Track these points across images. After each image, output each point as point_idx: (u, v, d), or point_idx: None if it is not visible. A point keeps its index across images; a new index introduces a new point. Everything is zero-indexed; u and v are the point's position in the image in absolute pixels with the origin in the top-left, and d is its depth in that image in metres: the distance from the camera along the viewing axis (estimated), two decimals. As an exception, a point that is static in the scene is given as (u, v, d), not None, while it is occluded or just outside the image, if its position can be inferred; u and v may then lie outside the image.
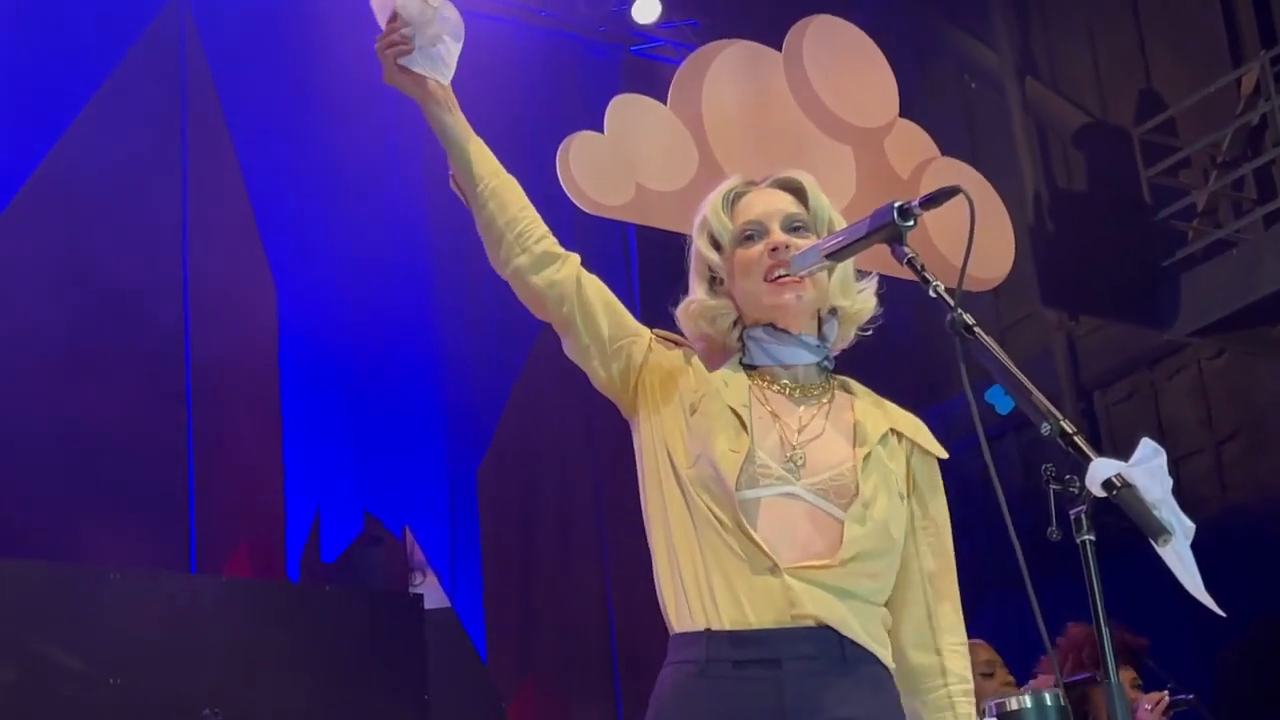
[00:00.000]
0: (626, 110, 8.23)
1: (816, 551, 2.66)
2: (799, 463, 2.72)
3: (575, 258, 2.89)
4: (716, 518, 2.67)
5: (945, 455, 2.88)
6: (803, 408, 2.80)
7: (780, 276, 2.78)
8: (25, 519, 7.21)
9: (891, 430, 2.82)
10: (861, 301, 2.89)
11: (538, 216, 2.90)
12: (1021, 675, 5.33)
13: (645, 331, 2.89)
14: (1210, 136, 9.62)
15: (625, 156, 8.06)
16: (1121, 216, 9.83)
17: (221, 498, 7.92)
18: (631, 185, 8.06)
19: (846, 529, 2.66)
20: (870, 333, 2.92)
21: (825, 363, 2.87)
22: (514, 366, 8.96)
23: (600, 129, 8.03)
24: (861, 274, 2.92)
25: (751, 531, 2.64)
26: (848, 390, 2.87)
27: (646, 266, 9.64)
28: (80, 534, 7.21)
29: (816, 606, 2.63)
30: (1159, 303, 9.44)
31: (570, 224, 8.38)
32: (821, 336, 2.85)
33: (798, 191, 2.91)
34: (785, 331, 2.81)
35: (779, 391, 2.81)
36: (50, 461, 7.31)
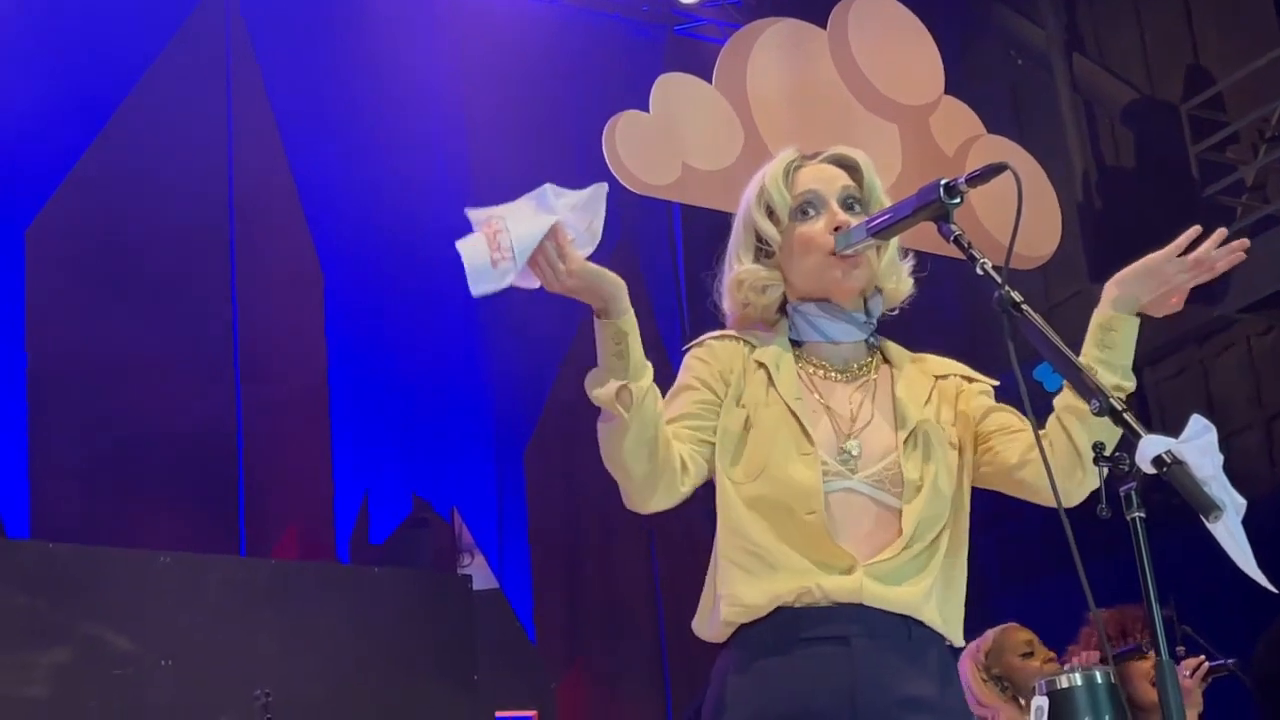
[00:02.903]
0: (671, 89, 8.22)
1: (880, 542, 2.68)
2: (855, 453, 2.73)
3: (676, 448, 2.72)
4: (790, 520, 2.68)
5: (995, 383, 2.90)
6: (850, 390, 2.81)
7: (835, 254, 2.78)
8: (77, 505, 7.27)
9: (936, 378, 2.85)
10: (902, 282, 2.90)
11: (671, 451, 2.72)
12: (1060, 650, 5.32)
13: (706, 396, 2.80)
14: (1259, 111, 9.54)
15: (670, 136, 8.05)
16: (1169, 192, 9.76)
17: (271, 482, 7.97)
18: (677, 164, 8.05)
19: (904, 515, 2.69)
20: (896, 312, 2.92)
21: (871, 339, 2.87)
22: (560, 349, 8.96)
23: (645, 108, 8.02)
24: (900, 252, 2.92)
25: (829, 535, 2.65)
26: (887, 359, 2.88)
27: (691, 245, 9.64)
28: (132, 519, 7.27)
29: (889, 602, 2.65)
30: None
31: (616, 203, 8.39)
32: (868, 313, 2.85)
33: (853, 169, 2.91)
34: (837, 308, 2.81)
35: (825, 376, 2.82)
36: (101, 448, 7.37)
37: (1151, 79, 10.33)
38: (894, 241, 2.87)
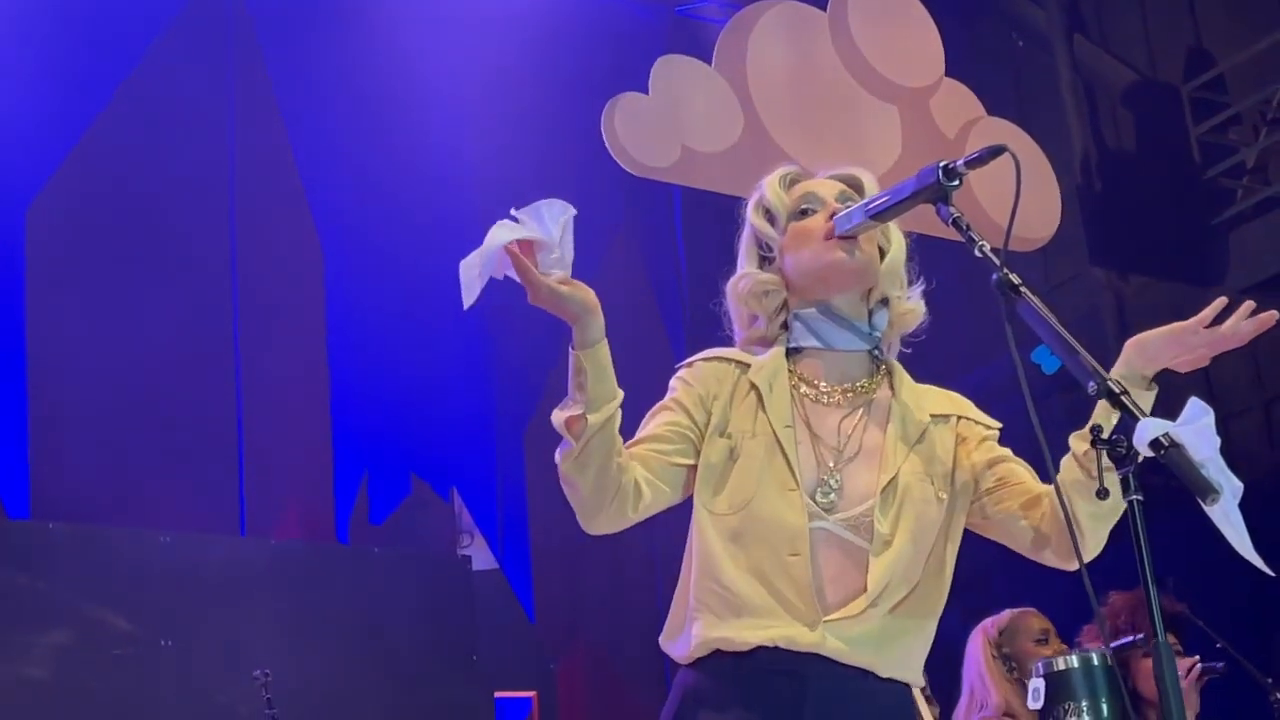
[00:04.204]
0: (671, 71, 8.20)
1: (846, 587, 2.68)
2: (835, 486, 2.71)
3: (632, 473, 2.74)
4: (770, 558, 2.68)
5: (999, 425, 2.87)
6: (841, 416, 2.79)
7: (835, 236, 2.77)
8: (77, 483, 7.27)
9: (933, 418, 2.82)
10: (911, 304, 2.88)
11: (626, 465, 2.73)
12: (1071, 643, 5.32)
13: (680, 420, 2.81)
14: (1260, 93, 9.53)
15: (670, 117, 8.04)
16: (1170, 174, 9.75)
17: (271, 461, 7.97)
18: (677, 146, 8.04)
19: (870, 569, 2.67)
20: (910, 349, 2.90)
21: (875, 352, 2.85)
22: (562, 329, 8.93)
23: (645, 90, 8.01)
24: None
25: (811, 582, 2.65)
26: (891, 384, 2.84)
27: (691, 228, 9.63)
28: (131, 498, 7.27)
29: (851, 657, 2.66)
30: (1208, 261, 9.36)
31: (616, 186, 8.39)
32: (871, 325, 2.83)
33: (855, 186, 2.90)
34: (838, 313, 2.79)
35: (817, 397, 2.79)
36: (101, 427, 7.37)
37: (1153, 60, 10.31)
38: (896, 245, 2.86)
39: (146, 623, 6.59)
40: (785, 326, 2.85)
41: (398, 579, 7.46)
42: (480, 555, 8.49)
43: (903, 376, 2.86)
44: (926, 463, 2.77)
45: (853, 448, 2.75)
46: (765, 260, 2.88)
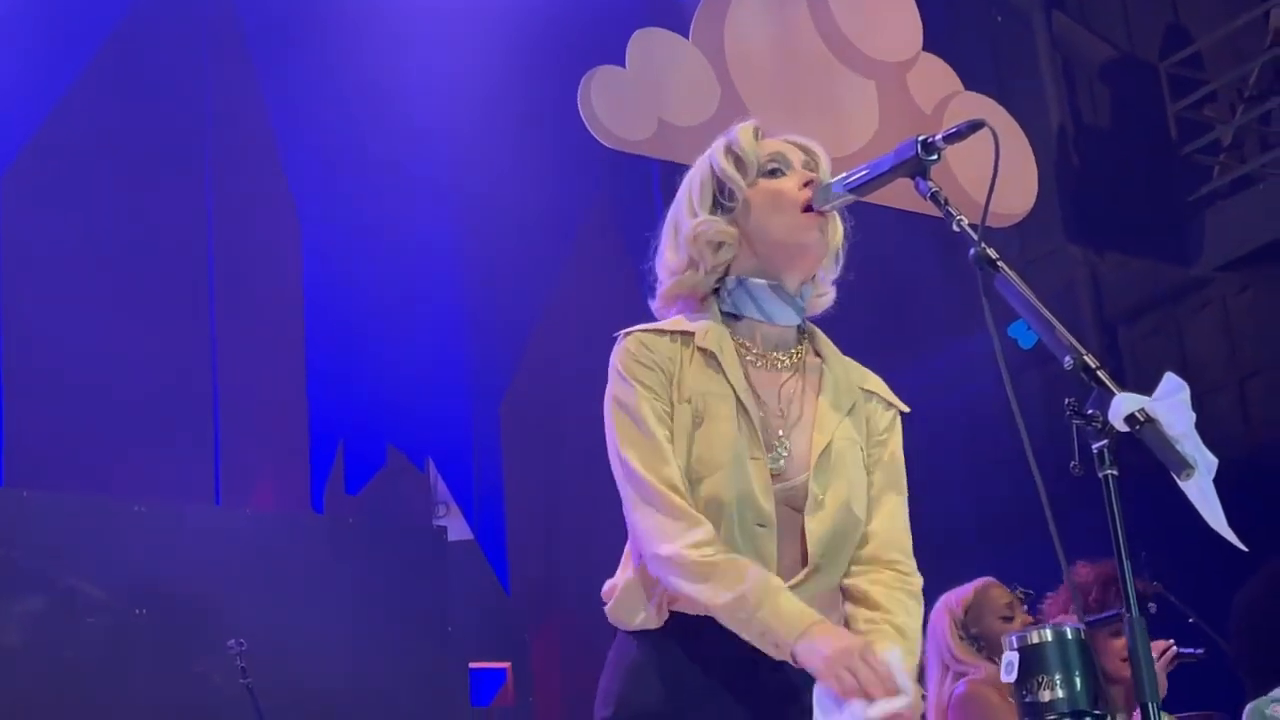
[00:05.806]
0: (649, 44, 8.18)
1: (785, 552, 2.67)
2: (785, 453, 2.71)
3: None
4: (734, 526, 2.65)
5: (906, 410, 2.89)
6: (781, 379, 2.78)
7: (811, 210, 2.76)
8: (52, 452, 7.27)
9: (862, 390, 2.83)
10: (826, 288, 2.88)
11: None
12: (1034, 610, 5.32)
13: (669, 424, 2.74)
14: (1237, 70, 9.54)
15: (647, 91, 8.02)
16: (1147, 151, 9.76)
17: (246, 431, 7.96)
18: (653, 119, 8.02)
19: (807, 532, 2.67)
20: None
21: (803, 324, 2.86)
22: (539, 301, 8.95)
23: (622, 63, 7.99)
24: None
25: (776, 554, 2.65)
26: (817, 351, 2.85)
27: (670, 203, 9.61)
28: (106, 467, 7.26)
29: None
30: (1184, 238, 9.38)
31: (595, 160, 8.37)
32: (802, 297, 2.82)
33: (812, 158, 2.89)
34: (785, 291, 2.78)
35: (756, 362, 2.78)
36: (77, 396, 7.36)
37: (1131, 36, 10.31)
38: (838, 233, 2.86)
39: (120, 591, 6.60)
40: (718, 285, 2.83)
41: (373, 549, 7.48)
42: (455, 526, 8.50)
43: (826, 342, 2.87)
44: (856, 430, 2.78)
45: (795, 412, 2.75)
46: (720, 208, 2.85)
